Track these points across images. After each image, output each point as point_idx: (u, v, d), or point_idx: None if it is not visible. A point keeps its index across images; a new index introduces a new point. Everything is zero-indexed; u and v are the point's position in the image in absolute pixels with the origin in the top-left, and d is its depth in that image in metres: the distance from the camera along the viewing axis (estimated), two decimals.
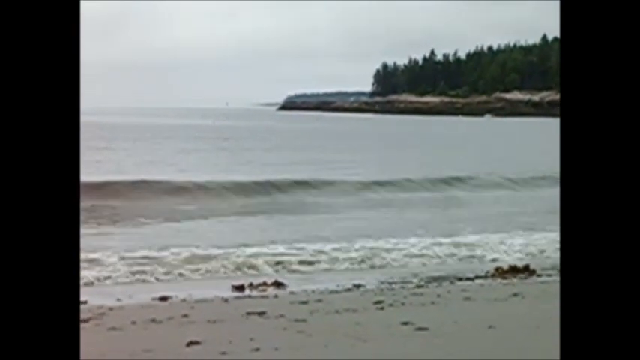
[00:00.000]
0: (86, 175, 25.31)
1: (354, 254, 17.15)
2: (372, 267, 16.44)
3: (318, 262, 16.54)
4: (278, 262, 16.20)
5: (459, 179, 33.02)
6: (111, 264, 15.41)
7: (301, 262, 16.40)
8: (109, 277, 14.66)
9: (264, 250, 17.25)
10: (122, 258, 15.85)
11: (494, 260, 16.90)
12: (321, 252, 17.24)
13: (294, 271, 15.84)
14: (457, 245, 18.30)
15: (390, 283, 14.16)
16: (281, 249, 17.45)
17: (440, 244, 18.43)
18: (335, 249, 17.54)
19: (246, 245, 17.64)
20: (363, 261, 16.80)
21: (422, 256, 17.34)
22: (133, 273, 14.96)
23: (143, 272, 15.03)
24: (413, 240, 18.83)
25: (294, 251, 17.24)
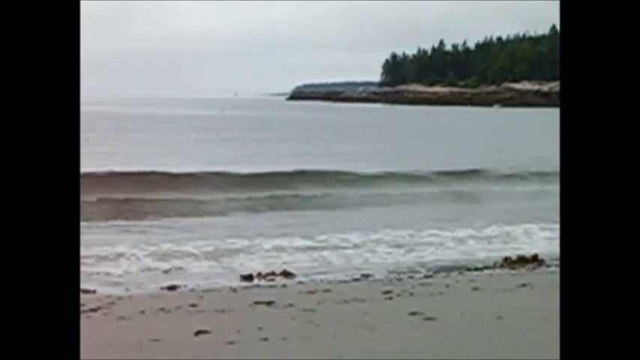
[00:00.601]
0: (95, 167, 25.20)
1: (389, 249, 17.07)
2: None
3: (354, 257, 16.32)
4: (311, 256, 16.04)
5: (478, 171, 32.28)
6: (137, 258, 15.39)
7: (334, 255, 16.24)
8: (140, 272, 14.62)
9: (286, 242, 17.17)
10: (146, 251, 15.82)
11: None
12: (356, 245, 17.09)
13: (329, 263, 15.70)
14: (487, 238, 18.30)
15: (399, 273, 14.17)
16: (309, 242, 17.26)
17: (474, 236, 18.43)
18: (365, 241, 17.51)
19: (265, 236, 17.61)
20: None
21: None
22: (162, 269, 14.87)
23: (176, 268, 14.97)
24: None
25: (318, 244, 17.16)
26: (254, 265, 14.98)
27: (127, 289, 12.52)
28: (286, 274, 14.04)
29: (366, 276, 13.80)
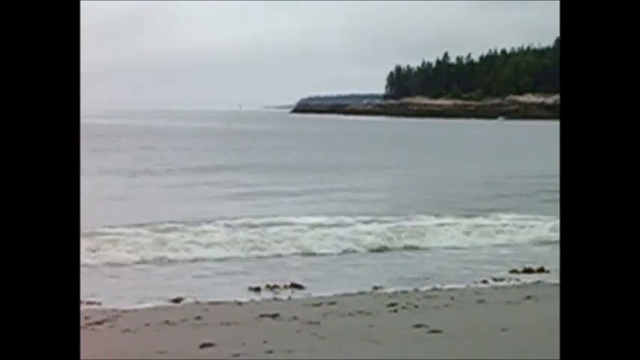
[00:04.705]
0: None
1: None
2: None
3: None
4: None
5: None
6: None
7: None
8: None
9: None
10: None
11: None
12: None
13: None
14: None
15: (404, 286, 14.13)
16: None
17: None
18: None
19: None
20: None
21: None
22: None
23: None
24: None
25: None
26: None
27: (132, 302, 12.50)
28: (294, 286, 14.07)
29: (374, 288, 13.78)
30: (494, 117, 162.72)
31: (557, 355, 4.12)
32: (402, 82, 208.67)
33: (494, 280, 14.79)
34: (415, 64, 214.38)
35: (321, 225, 20.52)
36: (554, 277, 14.49)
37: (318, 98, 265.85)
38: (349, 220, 21.53)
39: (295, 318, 10.00)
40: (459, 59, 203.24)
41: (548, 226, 20.63)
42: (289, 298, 12.94)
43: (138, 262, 16.33)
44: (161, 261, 16.59)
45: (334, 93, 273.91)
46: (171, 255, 17.02)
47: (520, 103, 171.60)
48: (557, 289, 12.02)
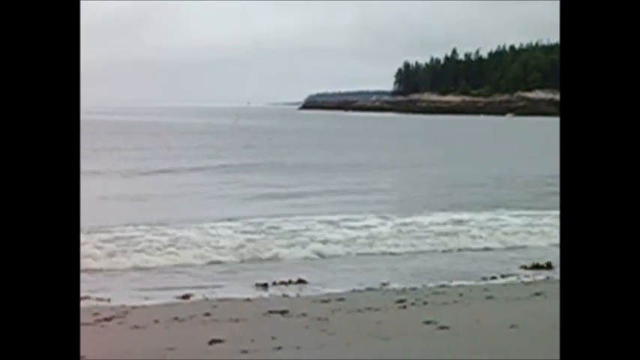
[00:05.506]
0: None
1: None
2: None
3: None
4: None
5: None
6: None
7: None
8: None
9: None
10: None
11: None
12: None
13: None
14: None
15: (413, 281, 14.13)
16: None
17: None
18: None
19: None
20: None
21: None
22: None
23: None
24: None
25: None
26: None
27: (140, 298, 12.52)
28: (300, 281, 14.08)
29: (382, 285, 13.78)
30: (503, 113, 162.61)
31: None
32: (410, 79, 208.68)
33: (503, 276, 14.79)
34: (423, 60, 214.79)
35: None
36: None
37: (326, 95, 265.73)
38: (358, 217, 21.62)
39: (304, 314, 10.01)
40: (467, 55, 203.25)
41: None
42: (298, 295, 12.95)
43: (150, 262, 16.27)
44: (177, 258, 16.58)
45: (342, 89, 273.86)
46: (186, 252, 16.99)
47: (529, 99, 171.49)
48: None
